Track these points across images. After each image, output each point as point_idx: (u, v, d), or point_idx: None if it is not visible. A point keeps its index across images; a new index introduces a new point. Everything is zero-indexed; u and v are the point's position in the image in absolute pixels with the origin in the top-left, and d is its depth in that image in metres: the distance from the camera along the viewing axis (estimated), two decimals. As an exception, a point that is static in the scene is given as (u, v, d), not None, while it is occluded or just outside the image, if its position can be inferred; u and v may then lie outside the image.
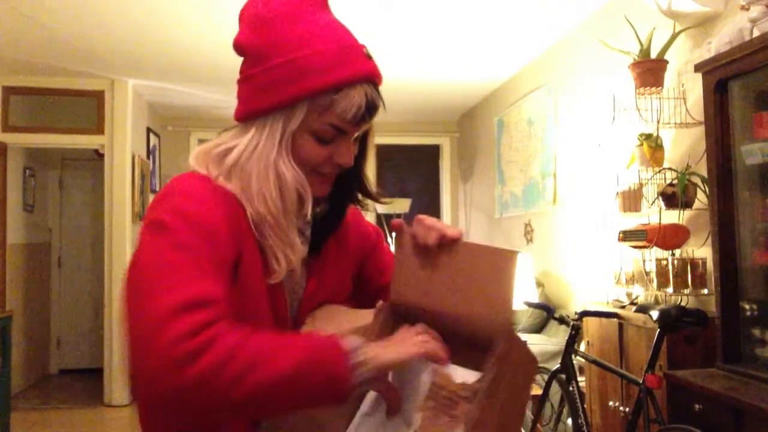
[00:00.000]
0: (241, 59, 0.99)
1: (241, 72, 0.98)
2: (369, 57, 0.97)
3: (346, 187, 1.07)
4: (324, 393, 0.82)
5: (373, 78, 0.96)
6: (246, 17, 0.97)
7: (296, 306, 1.03)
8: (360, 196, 1.10)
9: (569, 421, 2.74)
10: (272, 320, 0.95)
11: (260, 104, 0.94)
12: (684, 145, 2.82)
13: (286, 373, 0.79)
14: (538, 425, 3.02)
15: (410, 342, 0.87)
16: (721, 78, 2.15)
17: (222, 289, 0.84)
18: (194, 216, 0.87)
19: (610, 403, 2.78)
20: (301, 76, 0.91)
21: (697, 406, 2.03)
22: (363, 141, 1.03)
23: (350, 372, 0.82)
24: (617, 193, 2.86)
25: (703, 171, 2.41)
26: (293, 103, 0.92)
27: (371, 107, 0.95)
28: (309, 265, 1.04)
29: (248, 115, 0.96)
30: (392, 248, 1.04)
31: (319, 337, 0.86)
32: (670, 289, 2.56)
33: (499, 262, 0.99)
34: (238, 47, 0.98)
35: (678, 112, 2.75)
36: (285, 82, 0.92)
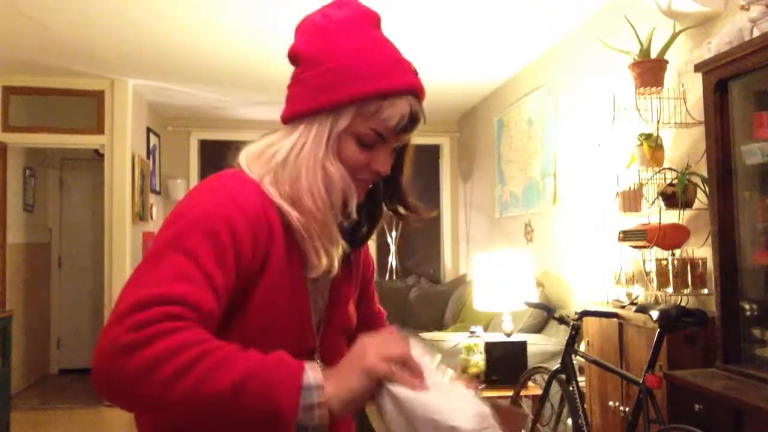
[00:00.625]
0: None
1: (294, 76, 1.02)
2: (416, 73, 1.03)
3: (379, 198, 1.10)
4: (261, 424, 0.79)
5: (417, 92, 1.01)
6: (303, 28, 1.03)
7: (320, 314, 1.06)
8: (400, 209, 1.11)
9: (569, 421, 2.74)
10: (294, 316, 0.98)
11: (311, 104, 0.98)
12: (684, 145, 2.82)
13: (222, 390, 0.77)
14: (538, 425, 3.02)
15: (370, 355, 0.84)
16: (721, 78, 2.15)
17: (214, 301, 0.85)
18: (218, 221, 0.89)
19: (610, 403, 2.78)
20: (354, 81, 0.96)
21: (697, 406, 2.03)
22: (401, 155, 1.07)
23: (295, 412, 0.78)
24: (617, 193, 2.86)
25: (703, 171, 2.41)
26: (343, 105, 0.97)
27: (414, 119, 1.00)
28: (341, 279, 1.07)
29: (298, 114, 1.00)
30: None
31: (280, 363, 0.81)
32: (670, 289, 2.56)
33: (510, 421, 0.95)
34: (293, 55, 1.02)
35: (678, 112, 2.75)
36: (337, 84, 0.97)
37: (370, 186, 1.06)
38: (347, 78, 0.97)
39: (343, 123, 0.98)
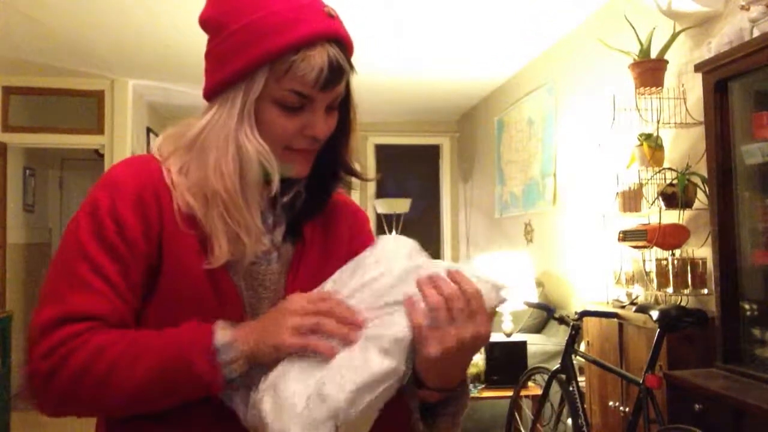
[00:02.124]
0: None
1: (206, 47, 0.94)
2: (331, 16, 0.89)
3: (326, 166, 0.98)
4: (193, 392, 0.81)
5: (335, 37, 0.88)
6: None
7: (276, 300, 0.94)
8: (347, 177, 1.02)
9: (569, 421, 2.74)
10: (220, 311, 0.88)
11: (222, 75, 0.89)
12: (684, 145, 2.82)
13: (144, 380, 0.80)
14: (538, 425, 3.02)
15: (284, 328, 0.82)
16: (721, 78, 2.15)
17: (116, 300, 0.84)
18: (102, 213, 0.86)
19: (610, 403, 2.78)
20: (257, 40, 0.86)
21: (697, 406, 2.03)
22: (345, 114, 0.97)
23: (216, 372, 0.80)
24: (617, 193, 2.86)
25: (703, 171, 2.41)
26: (252, 69, 0.87)
27: (336, 70, 0.88)
28: (292, 260, 0.97)
29: (212, 90, 0.91)
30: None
31: (189, 334, 0.82)
32: (670, 289, 2.56)
33: None
34: (201, 24, 0.94)
35: (678, 112, 2.75)
36: (242, 48, 0.87)
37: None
38: (250, 38, 0.86)
39: (257, 89, 0.87)
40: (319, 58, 0.86)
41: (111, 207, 0.86)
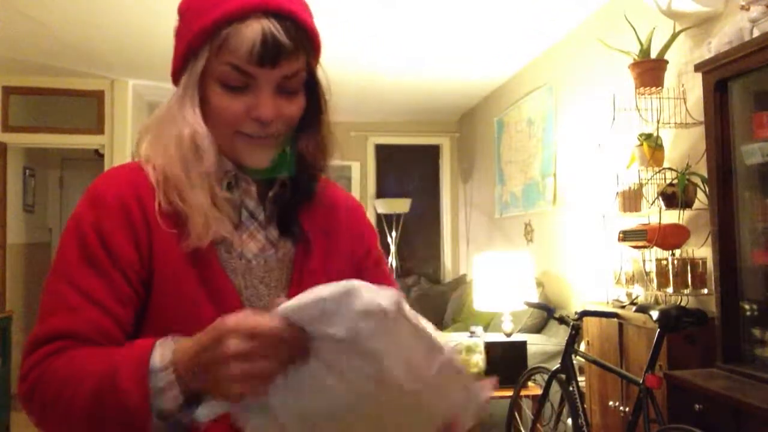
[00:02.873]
0: None
1: None
2: None
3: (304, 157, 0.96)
4: (122, 419, 0.72)
5: (272, 9, 0.85)
6: None
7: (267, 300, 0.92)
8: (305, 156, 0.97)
9: (569, 421, 2.74)
10: (216, 311, 0.81)
11: (175, 60, 0.91)
12: (684, 145, 2.82)
13: (86, 402, 0.74)
14: (538, 425, 3.02)
15: (221, 377, 0.67)
16: (721, 78, 2.15)
17: (100, 317, 0.81)
18: (84, 227, 0.85)
19: (610, 403, 2.78)
20: (196, 18, 0.87)
21: (697, 406, 2.03)
22: (314, 101, 0.93)
23: (146, 401, 0.70)
24: (617, 193, 2.86)
25: (703, 171, 2.41)
26: (193, 48, 0.87)
27: (272, 44, 0.84)
28: (294, 259, 0.95)
29: (174, 73, 0.93)
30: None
31: (126, 351, 0.75)
32: (670, 289, 2.56)
33: None
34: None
35: (678, 112, 2.75)
36: (185, 28, 0.90)
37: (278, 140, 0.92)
38: (192, 17, 0.88)
39: (199, 66, 0.87)
40: (250, 30, 0.83)
41: (94, 221, 0.85)
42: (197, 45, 0.87)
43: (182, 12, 0.93)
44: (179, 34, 0.92)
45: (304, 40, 0.88)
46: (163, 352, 0.72)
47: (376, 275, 1.02)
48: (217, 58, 0.86)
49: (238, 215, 0.93)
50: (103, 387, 0.73)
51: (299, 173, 0.96)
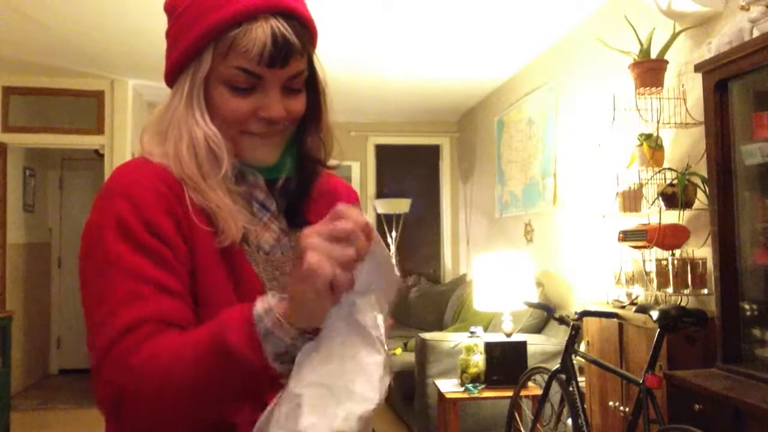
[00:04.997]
0: None
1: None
2: None
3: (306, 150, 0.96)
4: (241, 375, 0.71)
5: (282, 9, 0.84)
6: None
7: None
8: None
9: (569, 421, 2.74)
10: (236, 297, 0.84)
11: (172, 59, 0.88)
12: (684, 145, 2.82)
13: (198, 379, 0.72)
14: (538, 425, 3.02)
15: (304, 275, 0.68)
16: (721, 78, 2.15)
17: (169, 301, 0.78)
18: (132, 221, 0.80)
19: (610, 403, 2.78)
20: (199, 17, 0.84)
21: (697, 406, 2.03)
22: (314, 97, 0.93)
23: (254, 345, 0.69)
24: (617, 193, 2.86)
25: (703, 171, 2.41)
26: (197, 49, 0.85)
27: (282, 44, 0.83)
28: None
29: (168, 75, 0.90)
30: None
31: (226, 314, 0.73)
32: (670, 289, 2.56)
33: None
34: (165, 11, 0.92)
35: (678, 112, 2.75)
36: (186, 27, 0.86)
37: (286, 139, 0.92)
38: (194, 16, 0.85)
39: (204, 69, 0.85)
40: (261, 31, 0.82)
41: (135, 212, 0.81)
42: (200, 46, 0.85)
43: (174, 12, 0.89)
44: (174, 35, 0.89)
45: (308, 38, 0.88)
46: (264, 301, 0.72)
47: None
48: (224, 61, 0.85)
49: (249, 208, 0.92)
50: (213, 349, 0.71)
51: (302, 169, 0.96)
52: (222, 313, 0.74)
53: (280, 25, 0.83)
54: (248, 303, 0.73)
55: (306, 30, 0.88)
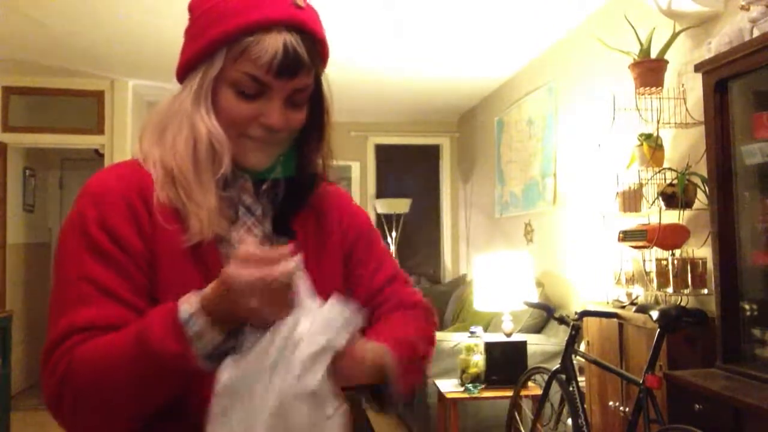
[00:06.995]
0: None
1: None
2: (298, 6, 0.90)
3: (304, 164, 0.99)
4: (175, 376, 0.78)
5: (296, 25, 0.88)
6: None
7: None
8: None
9: (569, 421, 2.74)
10: None
11: (186, 56, 0.93)
12: (684, 145, 2.82)
13: (129, 377, 0.78)
14: (538, 425, 3.02)
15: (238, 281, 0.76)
16: (721, 78, 2.15)
17: (115, 308, 0.83)
18: (93, 227, 0.85)
19: (610, 403, 2.78)
20: (217, 21, 0.88)
21: (697, 406, 2.03)
22: (319, 114, 0.97)
23: (188, 351, 0.76)
24: (617, 193, 2.86)
25: (703, 171, 2.41)
26: (211, 50, 0.89)
27: (292, 57, 0.87)
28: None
29: (180, 71, 0.95)
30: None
31: (153, 315, 0.79)
32: (670, 289, 2.56)
33: None
34: (188, 11, 0.96)
35: (678, 112, 2.75)
36: (203, 29, 0.90)
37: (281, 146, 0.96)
38: (212, 20, 0.89)
39: (215, 69, 0.89)
40: (273, 42, 0.86)
41: (98, 216, 0.86)
42: (214, 48, 0.89)
43: (197, 12, 0.94)
44: (192, 33, 0.93)
45: (319, 56, 0.93)
46: (189, 301, 0.78)
47: (367, 246, 1.07)
48: (235, 65, 0.88)
49: (235, 212, 0.95)
50: (140, 350, 0.76)
51: (299, 179, 0.99)
52: (146, 314, 0.80)
53: (292, 39, 0.88)
54: (169, 303, 0.79)
55: (317, 48, 0.92)
